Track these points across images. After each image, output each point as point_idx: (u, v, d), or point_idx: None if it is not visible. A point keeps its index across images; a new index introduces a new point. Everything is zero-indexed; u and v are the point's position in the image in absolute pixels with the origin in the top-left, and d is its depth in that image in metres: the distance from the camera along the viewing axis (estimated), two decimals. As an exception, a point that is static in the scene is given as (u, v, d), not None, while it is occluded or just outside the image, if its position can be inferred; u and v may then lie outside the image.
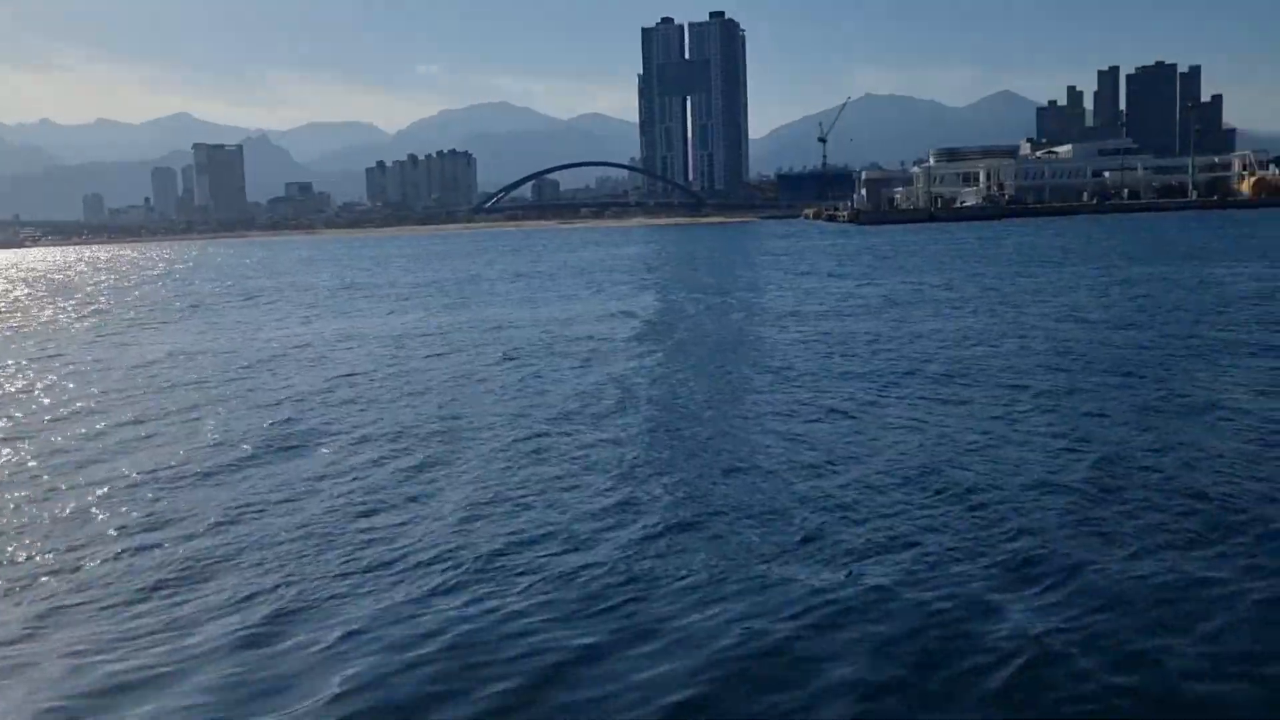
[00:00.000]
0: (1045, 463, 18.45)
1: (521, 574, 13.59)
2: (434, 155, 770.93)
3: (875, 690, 10.20)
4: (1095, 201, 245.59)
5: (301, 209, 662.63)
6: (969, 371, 28.75)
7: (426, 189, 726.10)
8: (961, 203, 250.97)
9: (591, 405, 25.72)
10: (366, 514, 16.82)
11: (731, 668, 10.69)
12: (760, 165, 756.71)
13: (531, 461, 19.97)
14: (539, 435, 22.33)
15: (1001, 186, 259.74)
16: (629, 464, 19.36)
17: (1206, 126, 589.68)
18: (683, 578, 13.15)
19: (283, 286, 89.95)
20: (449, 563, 14.18)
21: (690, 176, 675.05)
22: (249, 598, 13.11)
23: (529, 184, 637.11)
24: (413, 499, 17.61)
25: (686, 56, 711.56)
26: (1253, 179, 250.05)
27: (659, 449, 20.58)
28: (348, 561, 14.40)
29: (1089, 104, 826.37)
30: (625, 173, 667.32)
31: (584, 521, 15.79)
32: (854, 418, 23.04)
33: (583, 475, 18.64)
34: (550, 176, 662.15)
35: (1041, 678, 10.34)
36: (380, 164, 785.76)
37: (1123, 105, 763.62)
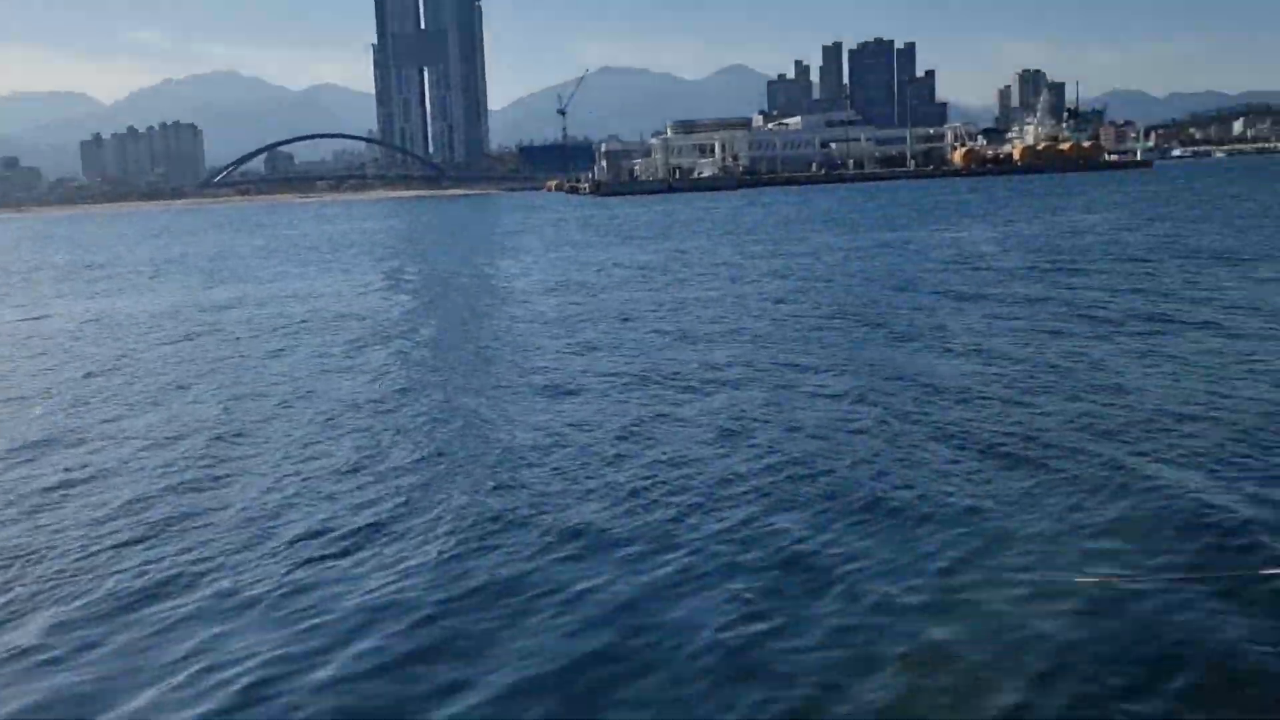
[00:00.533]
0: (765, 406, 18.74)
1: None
2: (157, 127, 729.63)
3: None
4: (824, 172, 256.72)
5: (8, 186, 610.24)
6: (717, 333, 29.07)
7: (150, 163, 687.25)
8: (699, 174, 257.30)
9: (354, 381, 24.56)
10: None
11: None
12: (501, 137, 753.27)
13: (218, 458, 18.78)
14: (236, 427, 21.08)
15: (736, 157, 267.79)
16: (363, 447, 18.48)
17: (922, 101, 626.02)
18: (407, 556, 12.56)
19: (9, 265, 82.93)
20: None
21: (430, 149, 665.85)
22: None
23: (261, 157, 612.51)
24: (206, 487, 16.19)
25: (422, 26, 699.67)
26: (964, 150, 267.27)
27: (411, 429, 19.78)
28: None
29: (816, 78, 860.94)
30: (363, 145, 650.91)
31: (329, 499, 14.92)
32: (607, 393, 22.85)
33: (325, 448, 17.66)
34: (284, 149, 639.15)
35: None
36: (97, 137, 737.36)
37: (846, 79, 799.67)
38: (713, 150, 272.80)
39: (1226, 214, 73.43)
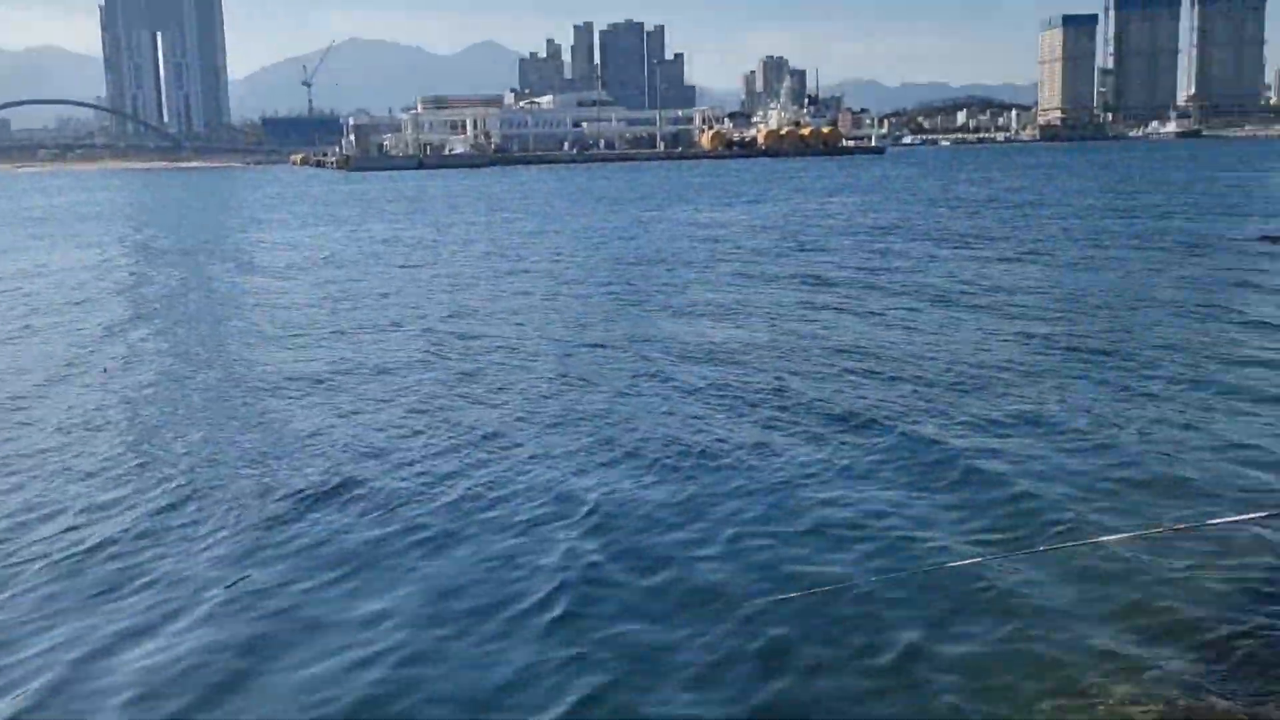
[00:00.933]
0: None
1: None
2: None
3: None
4: (576, 151, 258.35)
5: None
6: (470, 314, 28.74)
7: None
8: (451, 150, 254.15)
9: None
10: None
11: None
12: (244, 108, 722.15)
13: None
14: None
15: (488, 135, 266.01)
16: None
17: (671, 83, 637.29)
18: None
19: None
20: None
21: (166, 118, 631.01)
22: None
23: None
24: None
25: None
26: (712, 132, 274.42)
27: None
28: None
29: (567, 57, 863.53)
30: (90, 113, 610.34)
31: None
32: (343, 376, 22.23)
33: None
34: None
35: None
36: None
37: (598, 60, 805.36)
38: (465, 127, 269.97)
39: (953, 201, 78.13)
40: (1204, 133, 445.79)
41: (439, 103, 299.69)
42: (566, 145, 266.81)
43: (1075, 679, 8.46)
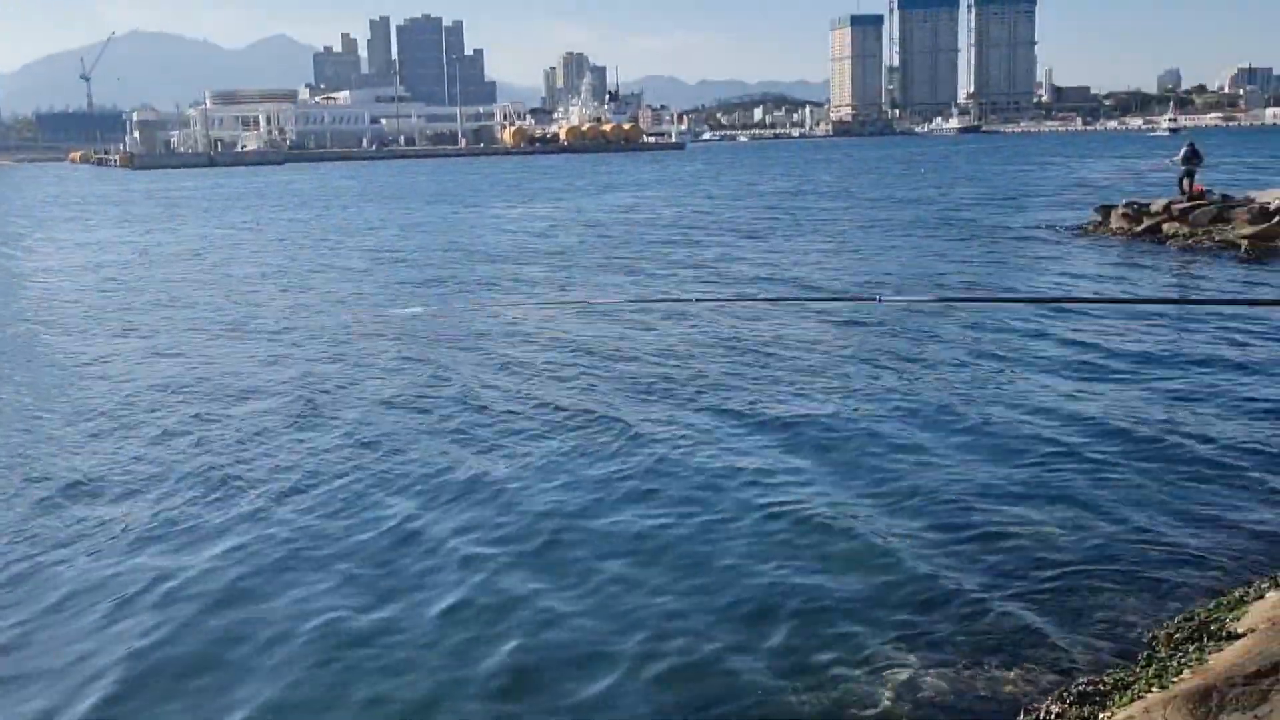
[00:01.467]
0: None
1: None
2: None
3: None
4: (375, 148, 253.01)
5: None
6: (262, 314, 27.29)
7: None
8: (243, 147, 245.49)
9: None
10: None
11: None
12: (15, 104, 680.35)
13: None
14: None
15: (283, 131, 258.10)
16: None
17: (472, 79, 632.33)
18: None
19: None
20: None
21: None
22: None
23: None
24: None
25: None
26: (513, 129, 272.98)
27: None
28: None
29: (364, 52, 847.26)
30: None
31: None
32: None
33: None
34: None
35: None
36: None
37: (395, 55, 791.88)
38: (258, 123, 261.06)
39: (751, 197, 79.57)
40: (983, 128, 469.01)
41: (229, 98, 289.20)
42: (365, 142, 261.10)
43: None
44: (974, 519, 11.24)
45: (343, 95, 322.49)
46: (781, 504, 11.85)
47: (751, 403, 16.19)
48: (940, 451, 13.43)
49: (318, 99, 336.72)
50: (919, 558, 10.32)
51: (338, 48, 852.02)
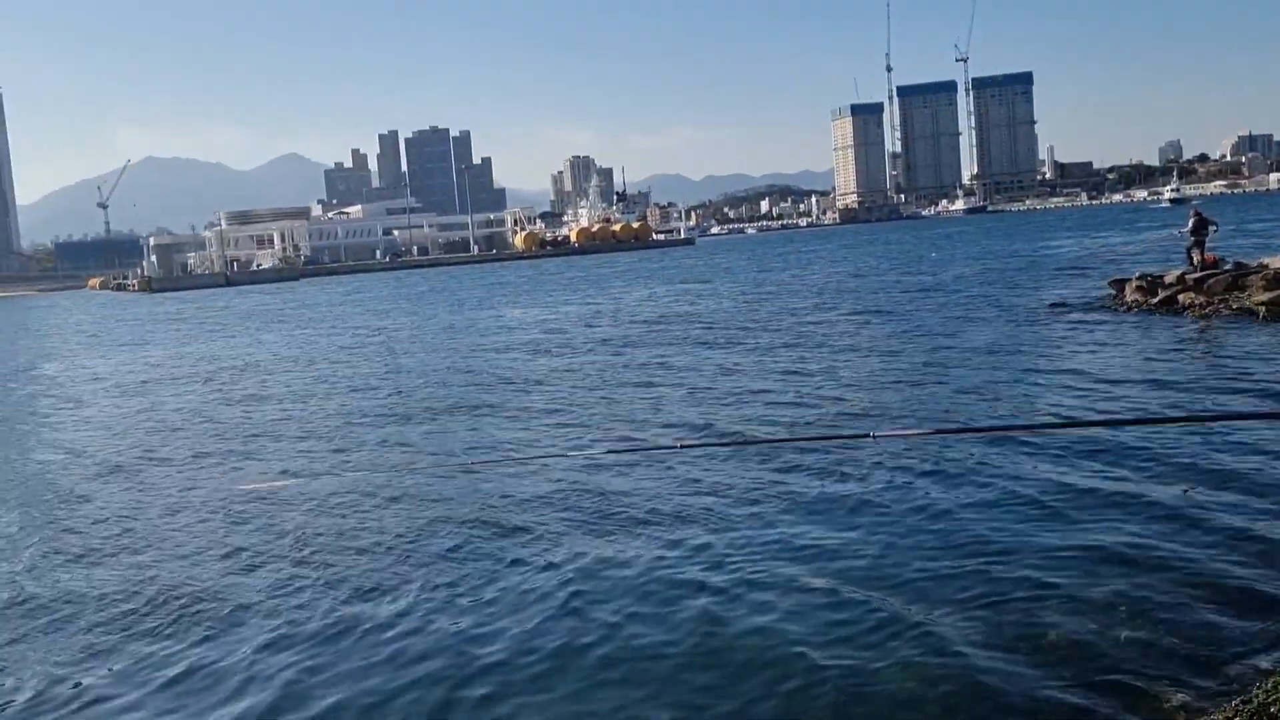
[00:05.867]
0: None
1: None
2: None
3: None
4: (389, 259, 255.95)
5: None
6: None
7: None
8: (258, 265, 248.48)
9: None
10: None
11: None
12: (35, 234, 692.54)
13: None
14: None
15: (297, 247, 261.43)
16: None
17: (481, 187, 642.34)
18: None
19: None
20: None
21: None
22: None
23: None
24: None
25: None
26: (524, 234, 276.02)
27: None
28: None
29: (373, 165, 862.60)
30: None
31: None
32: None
33: None
34: None
35: None
36: None
37: (405, 167, 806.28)
38: (272, 241, 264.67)
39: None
40: (989, 208, 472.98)
41: (244, 217, 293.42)
42: (379, 253, 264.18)
43: None
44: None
45: (355, 209, 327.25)
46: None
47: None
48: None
49: (330, 214, 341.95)
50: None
51: (348, 163, 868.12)
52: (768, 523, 14.87)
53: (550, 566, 13.74)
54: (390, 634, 11.89)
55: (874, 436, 7.34)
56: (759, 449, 19.04)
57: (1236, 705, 8.53)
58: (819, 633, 10.82)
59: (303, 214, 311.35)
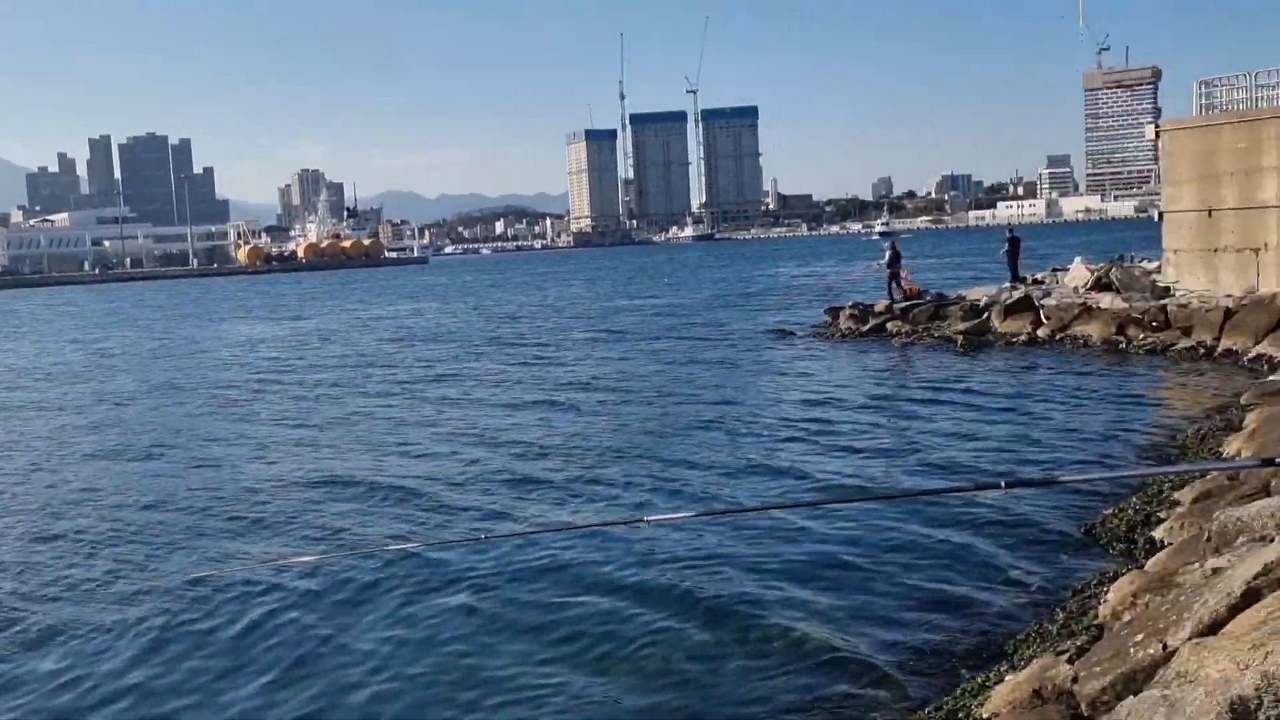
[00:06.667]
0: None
1: None
2: None
3: None
4: (99, 270, 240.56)
5: None
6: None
7: None
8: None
9: None
10: None
11: None
12: None
13: None
14: None
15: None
16: None
17: (202, 198, 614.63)
18: None
19: None
20: None
21: None
22: None
23: None
24: None
25: None
26: (248, 248, 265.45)
27: None
28: None
29: (83, 171, 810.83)
30: None
31: None
32: None
33: None
34: None
35: None
36: None
37: (118, 174, 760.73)
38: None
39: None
40: (716, 236, 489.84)
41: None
42: (87, 265, 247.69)
43: None
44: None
45: (61, 217, 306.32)
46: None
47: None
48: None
49: (33, 221, 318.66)
50: None
51: (53, 167, 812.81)
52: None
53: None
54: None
55: (647, 521, 7.35)
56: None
57: (929, 713, 9.05)
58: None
59: (2, 221, 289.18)
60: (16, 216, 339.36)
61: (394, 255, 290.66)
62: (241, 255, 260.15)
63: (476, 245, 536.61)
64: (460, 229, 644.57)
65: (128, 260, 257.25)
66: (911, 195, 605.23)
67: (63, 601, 13.53)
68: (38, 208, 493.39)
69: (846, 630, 11.11)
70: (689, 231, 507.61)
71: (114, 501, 19.18)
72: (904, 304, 40.17)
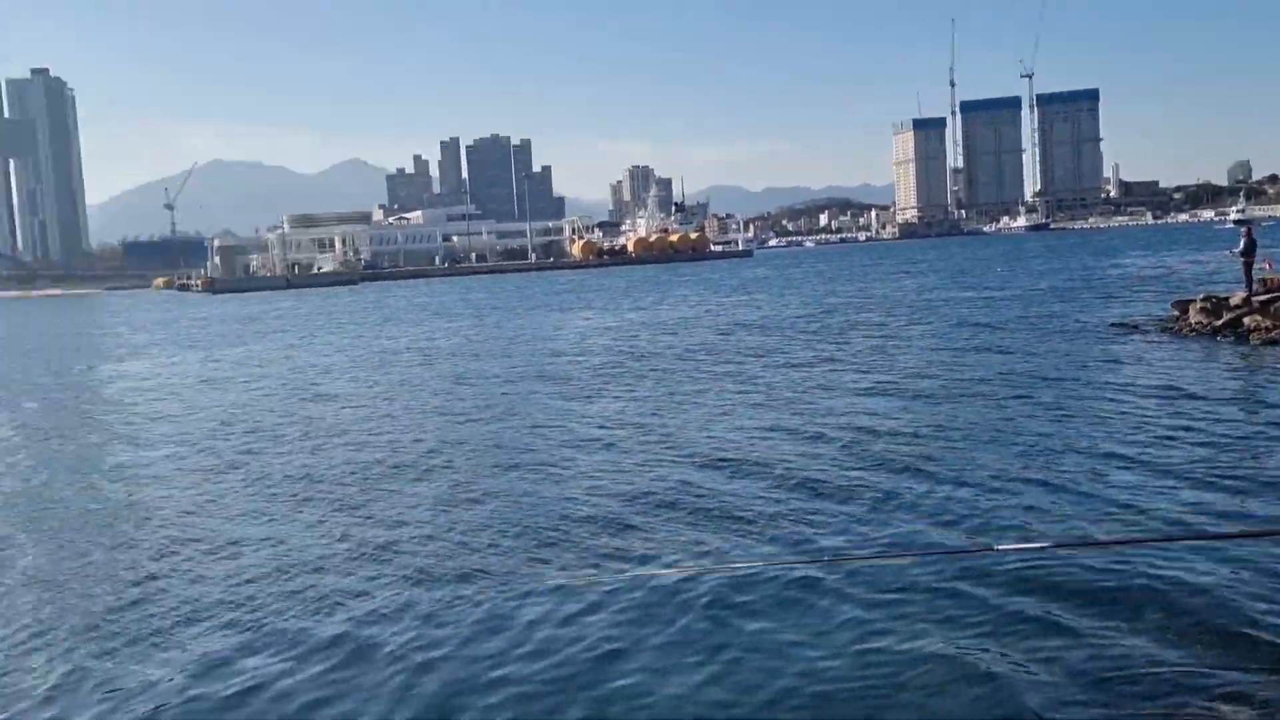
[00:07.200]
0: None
1: None
2: None
3: None
4: (447, 265, 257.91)
5: None
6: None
7: None
8: (319, 269, 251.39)
9: None
10: None
11: None
12: (104, 233, 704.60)
13: None
14: None
15: (358, 252, 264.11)
16: None
17: (540, 195, 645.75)
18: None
19: None
20: None
21: (20, 246, 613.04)
22: None
23: None
24: None
25: (7, 115, 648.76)
26: (582, 242, 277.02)
27: None
28: None
29: (435, 172, 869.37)
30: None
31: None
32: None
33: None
34: None
35: None
36: None
37: (465, 174, 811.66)
38: (333, 245, 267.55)
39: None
40: (1051, 225, 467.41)
41: (306, 221, 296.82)
42: (438, 259, 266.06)
43: None
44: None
45: (415, 215, 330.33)
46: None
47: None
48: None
49: (391, 220, 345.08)
50: None
51: (410, 169, 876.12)
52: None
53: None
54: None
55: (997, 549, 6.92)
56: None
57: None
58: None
59: (364, 219, 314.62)
60: (377, 215, 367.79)
61: (719, 248, 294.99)
62: (576, 250, 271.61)
63: (800, 238, 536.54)
64: (784, 221, 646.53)
65: (473, 255, 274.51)
66: (1274, 179, 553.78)
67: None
68: (395, 206, 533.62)
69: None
70: (1021, 221, 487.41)
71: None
72: (1264, 297, 36.86)
